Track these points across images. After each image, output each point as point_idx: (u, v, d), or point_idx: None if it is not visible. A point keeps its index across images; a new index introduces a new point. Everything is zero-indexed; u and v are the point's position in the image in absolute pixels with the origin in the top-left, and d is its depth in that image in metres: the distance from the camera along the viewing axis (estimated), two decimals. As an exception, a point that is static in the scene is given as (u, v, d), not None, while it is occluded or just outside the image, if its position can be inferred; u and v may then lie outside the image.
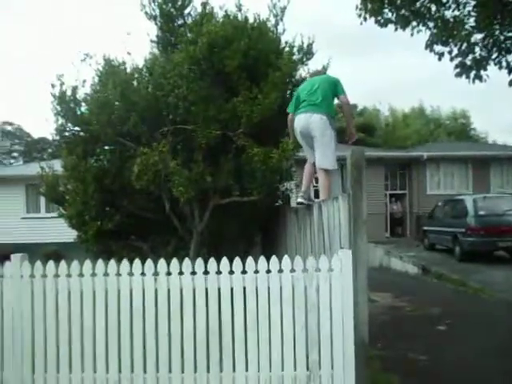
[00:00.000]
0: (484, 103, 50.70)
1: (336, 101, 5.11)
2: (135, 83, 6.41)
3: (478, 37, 6.77)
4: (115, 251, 6.56)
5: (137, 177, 5.79)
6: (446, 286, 9.44)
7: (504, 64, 6.74)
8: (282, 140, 5.84)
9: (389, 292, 8.39)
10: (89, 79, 6.68)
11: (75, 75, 6.58)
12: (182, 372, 3.72)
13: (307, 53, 6.63)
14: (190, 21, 6.99)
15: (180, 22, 7.13)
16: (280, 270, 3.76)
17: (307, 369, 3.68)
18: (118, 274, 3.79)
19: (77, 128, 6.84)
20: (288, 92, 6.56)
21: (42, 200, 16.24)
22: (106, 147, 7.05)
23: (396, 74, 57.01)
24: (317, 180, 5.25)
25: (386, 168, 19.53)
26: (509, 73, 6.68)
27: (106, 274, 3.80)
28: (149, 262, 3.81)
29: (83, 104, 6.62)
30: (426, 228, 15.60)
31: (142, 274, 3.79)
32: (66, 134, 6.92)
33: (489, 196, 13.72)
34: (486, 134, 38.01)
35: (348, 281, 3.68)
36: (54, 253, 13.00)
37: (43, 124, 61.92)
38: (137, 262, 3.81)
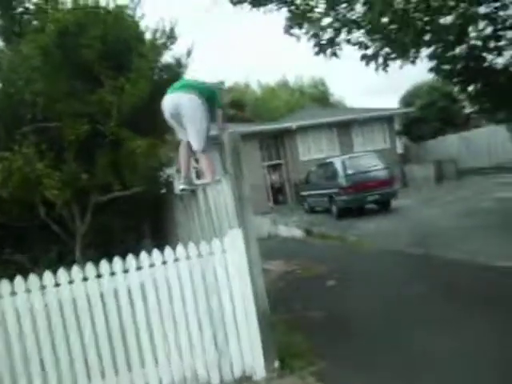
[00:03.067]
0: (338, 71, 54.99)
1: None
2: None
3: (327, 20, 7.39)
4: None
5: (1, 184, 5.22)
6: (329, 244, 10.29)
7: (352, 40, 7.46)
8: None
9: (280, 259, 8.88)
10: None
11: None
12: (89, 381, 3.58)
13: (170, 36, 6.49)
14: (32, 7, 6.36)
15: (20, 9, 6.46)
16: (176, 259, 3.78)
17: (216, 350, 3.80)
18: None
19: None
20: (155, 77, 6.39)
21: None
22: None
23: (259, 49, 58.69)
24: (196, 161, 5.25)
25: (260, 141, 20.31)
26: (359, 48, 7.43)
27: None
28: (32, 277, 3.53)
29: None
30: (304, 193, 16.69)
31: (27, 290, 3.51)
32: None
33: (354, 156, 15.09)
34: (342, 98, 41.53)
35: (242, 259, 3.84)
36: None
37: None
38: (18, 279, 3.51)
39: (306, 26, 7.26)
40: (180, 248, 3.80)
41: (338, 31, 7.27)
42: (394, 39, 7.18)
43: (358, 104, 40.23)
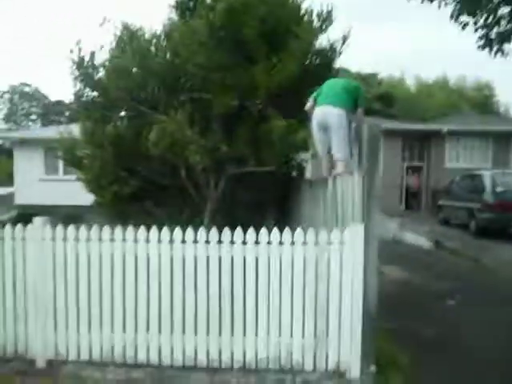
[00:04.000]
0: (507, 75, 48.98)
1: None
2: (153, 50, 6.37)
3: (505, 10, 6.52)
4: (131, 215, 6.70)
5: (154, 144, 5.84)
6: (458, 262, 9.46)
7: None
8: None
9: (399, 265, 8.45)
10: (107, 44, 6.65)
11: (93, 40, 6.57)
12: (196, 334, 3.88)
13: (326, 20, 6.45)
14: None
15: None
16: (292, 242, 3.84)
17: (315, 337, 3.81)
18: (136, 241, 3.92)
19: (94, 93, 6.87)
20: (307, 61, 6.45)
21: (61, 163, 16.50)
22: (123, 113, 7.09)
23: (418, 43, 55.10)
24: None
25: (403, 140, 19.23)
26: None
27: (124, 240, 3.93)
28: (165, 230, 3.92)
29: (101, 69, 6.62)
30: (441, 202, 15.49)
31: (159, 241, 3.91)
32: (84, 99, 6.96)
33: (507, 172, 13.49)
34: (509, 107, 36.96)
35: (359, 254, 3.75)
36: (72, 215, 13.30)
37: (60, 86, 62.17)
38: (154, 229, 3.93)
39: (478, 13, 6.48)
40: (298, 232, 3.86)
41: None
42: None
43: (527, 115, 35.46)
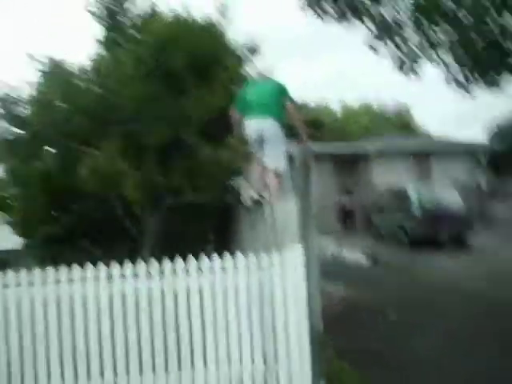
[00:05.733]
0: (422, 98, 53.16)
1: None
2: (80, 83, 6.26)
3: (415, 38, 7.14)
4: (66, 256, 6.39)
5: (85, 180, 5.67)
6: (394, 275, 9.87)
7: (437, 60, 7.17)
8: (230, 139, 5.82)
9: (340, 282, 8.65)
10: (31, 80, 6.45)
11: (17, 76, 6.34)
12: (141, 373, 3.72)
13: (254, 51, 6.72)
14: (136, 20, 6.90)
15: (125, 20, 7.02)
16: (235, 267, 3.84)
17: (264, 362, 3.79)
18: (70, 281, 3.73)
19: (19, 130, 6.59)
20: (234, 88, 6.62)
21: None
22: (51, 150, 6.84)
23: (341, 71, 58.37)
24: (268, 180, 5.36)
25: (334, 163, 20.10)
26: (442, 67, 7.12)
27: (57, 282, 3.73)
28: (101, 266, 3.78)
29: (26, 106, 6.39)
30: (373, 218, 16.22)
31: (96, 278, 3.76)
32: (7, 137, 6.65)
33: (432, 187, 14.45)
34: (426, 127, 39.93)
35: (300, 274, 3.82)
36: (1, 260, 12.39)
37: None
38: (89, 266, 3.77)
39: (389, 42, 7.03)
40: (240, 257, 3.87)
41: (425, 48, 6.96)
42: (480, 62, 6.76)
43: (445, 134, 38.43)
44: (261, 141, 5.06)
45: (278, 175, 4.96)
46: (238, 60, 6.45)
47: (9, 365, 3.65)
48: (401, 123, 38.30)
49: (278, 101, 5.05)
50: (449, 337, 5.44)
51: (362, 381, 4.00)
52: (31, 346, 3.66)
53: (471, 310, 6.58)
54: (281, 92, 5.10)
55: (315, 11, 7.13)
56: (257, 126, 5.03)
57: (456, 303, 7.09)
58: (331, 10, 7.18)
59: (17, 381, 3.63)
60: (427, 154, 20.75)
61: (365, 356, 4.72)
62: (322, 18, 7.16)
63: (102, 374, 3.70)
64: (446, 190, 13.75)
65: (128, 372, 3.71)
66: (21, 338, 3.68)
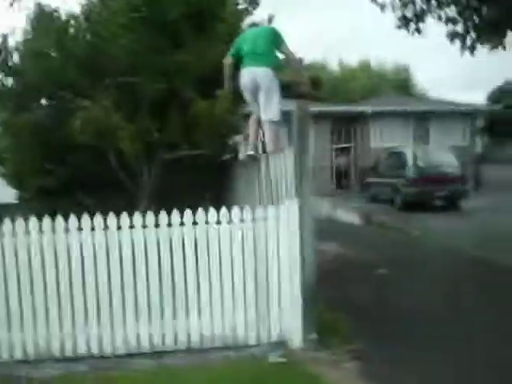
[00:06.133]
0: (424, 58, 52.20)
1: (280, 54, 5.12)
2: (72, 31, 6.05)
3: None
4: (61, 209, 6.38)
5: (79, 132, 5.58)
6: (386, 235, 10.03)
7: (443, 17, 6.98)
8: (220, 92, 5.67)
9: (334, 242, 8.79)
10: (20, 26, 6.22)
11: (4, 22, 6.12)
12: (136, 321, 3.81)
13: (252, 2, 6.47)
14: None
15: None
16: (230, 221, 3.88)
17: (256, 312, 3.89)
18: (67, 230, 3.76)
19: (9, 80, 6.42)
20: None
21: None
22: (43, 101, 6.69)
23: (342, 28, 56.88)
24: (263, 134, 5.31)
25: (331, 122, 19.89)
26: (446, 23, 6.95)
27: (53, 231, 3.76)
28: (97, 218, 3.80)
29: (15, 54, 6.18)
30: (368, 180, 16.25)
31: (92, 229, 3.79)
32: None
33: (427, 148, 14.44)
34: (426, 89, 39.40)
35: (294, 228, 3.86)
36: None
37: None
38: (86, 217, 3.79)
39: None
40: (235, 210, 3.90)
41: (428, 2, 6.79)
42: (485, 18, 6.59)
43: (442, 97, 38.08)
44: (255, 90, 4.98)
45: (273, 126, 4.91)
46: (237, 12, 6.23)
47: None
48: (399, 83, 37.76)
49: (273, 49, 4.97)
50: (433, 289, 5.61)
51: (351, 331, 4.13)
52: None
53: (455, 266, 6.80)
54: (276, 39, 5.00)
55: None
56: (251, 75, 4.95)
57: (440, 258, 7.30)
58: None
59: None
60: (425, 115, 20.56)
61: (355, 309, 4.86)
62: None
63: (99, 320, 3.79)
64: (442, 153, 13.74)
65: (124, 321, 3.80)
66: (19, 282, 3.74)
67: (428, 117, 20.59)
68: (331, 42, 53.79)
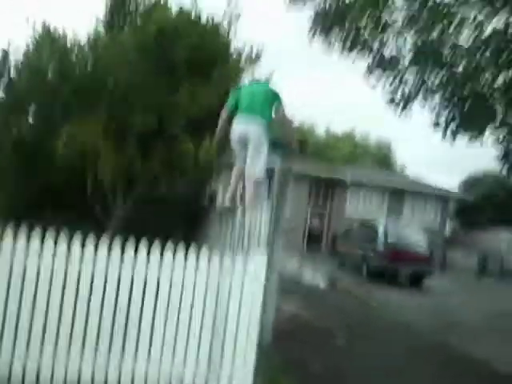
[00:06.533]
0: (408, 135, 54.59)
1: (274, 114, 5.26)
2: (74, 57, 6.17)
3: (409, 77, 7.39)
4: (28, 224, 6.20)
5: (60, 152, 5.57)
6: (349, 301, 10.03)
7: (426, 106, 7.45)
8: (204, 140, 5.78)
9: (296, 302, 8.71)
10: (23, 45, 6.33)
11: (8, 39, 6.22)
12: (81, 360, 3.64)
13: (253, 62, 6.77)
14: (141, 6, 6.86)
15: (131, 7, 6.99)
16: (196, 267, 3.83)
17: (208, 365, 3.77)
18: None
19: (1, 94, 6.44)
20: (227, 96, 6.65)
21: None
22: (30, 118, 6.70)
23: (332, 96, 59.37)
24: (243, 187, 5.37)
25: (311, 185, 20.34)
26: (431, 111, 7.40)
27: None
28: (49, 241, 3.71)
29: (12, 70, 6.24)
30: (340, 246, 16.43)
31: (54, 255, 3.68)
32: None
33: (399, 224, 14.79)
34: (405, 166, 40.95)
35: (259, 282, 3.84)
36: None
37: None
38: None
39: (387, 72, 7.21)
40: (203, 254, 3.87)
41: (417, 89, 7.21)
42: (466, 113, 7.04)
43: (419, 175, 39.54)
44: (244, 145, 5.07)
45: (255, 181, 4.98)
46: (237, 64, 6.49)
47: None
48: (380, 157, 39.22)
49: (269, 108, 5.09)
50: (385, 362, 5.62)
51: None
52: None
53: (409, 341, 6.90)
54: (274, 98, 5.12)
55: (323, 39, 7.26)
56: (243, 131, 5.05)
57: (396, 333, 7.34)
58: (336, 43, 7.34)
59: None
60: (402, 191, 21.24)
61: (306, 374, 4.77)
62: (328, 46, 7.30)
63: (41, 349, 3.60)
64: (413, 230, 14.09)
65: (69, 352, 3.63)
66: None
67: (404, 194, 21.27)
68: (323, 107, 56.02)
